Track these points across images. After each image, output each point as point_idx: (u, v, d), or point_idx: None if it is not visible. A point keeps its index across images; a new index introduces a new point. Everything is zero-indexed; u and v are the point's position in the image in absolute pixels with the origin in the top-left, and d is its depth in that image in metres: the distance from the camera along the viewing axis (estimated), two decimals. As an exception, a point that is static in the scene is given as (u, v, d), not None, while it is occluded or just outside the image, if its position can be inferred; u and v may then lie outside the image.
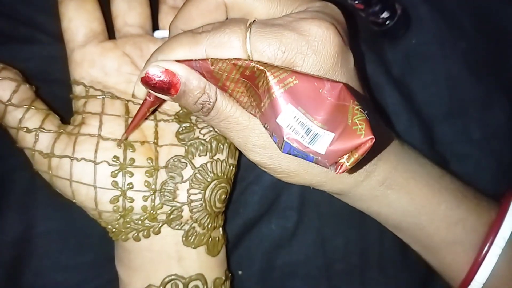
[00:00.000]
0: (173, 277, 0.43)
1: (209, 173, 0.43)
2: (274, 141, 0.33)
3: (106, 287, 0.47)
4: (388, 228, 0.47)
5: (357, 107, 0.31)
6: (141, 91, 0.39)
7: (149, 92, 0.37)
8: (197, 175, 0.43)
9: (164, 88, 0.35)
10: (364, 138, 0.31)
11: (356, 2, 0.49)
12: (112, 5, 0.45)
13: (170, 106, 0.44)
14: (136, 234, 0.42)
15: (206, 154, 0.43)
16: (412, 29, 0.53)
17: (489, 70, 0.54)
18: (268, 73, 0.32)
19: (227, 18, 0.38)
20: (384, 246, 0.52)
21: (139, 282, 0.43)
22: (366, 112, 0.31)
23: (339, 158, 0.31)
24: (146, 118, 0.43)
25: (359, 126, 0.31)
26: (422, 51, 0.54)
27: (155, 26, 0.46)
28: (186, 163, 0.43)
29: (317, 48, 0.34)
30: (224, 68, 0.34)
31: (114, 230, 0.42)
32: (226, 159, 0.44)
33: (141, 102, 0.43)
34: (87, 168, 0.41)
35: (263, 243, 0.51)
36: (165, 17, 0.45)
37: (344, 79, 0.36)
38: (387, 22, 0.51)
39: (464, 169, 0.52)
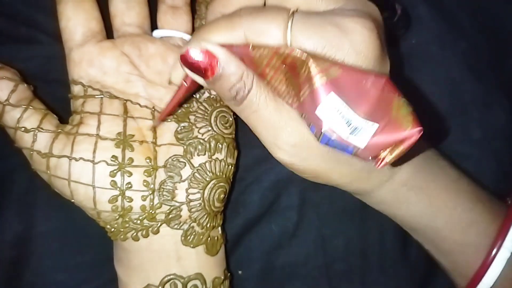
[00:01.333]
0: (172, 276, 0.43)
1: (208, 173, 0.43)
2: (311, 132, 0.32)
3: (106, 287, 0.47)
4: (403, 228, 0.47)
5: (402, 100, 0.30)
6: (177, 77, 0.38)
7: (185, 77, 0.37)
8: (196, 174, 0.42)
9: (201, 69, 0.34)
10: (411, 130, 0.30)
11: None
12: (111, 4, 0.45)
13: (169, 106, 0.44)
14: (135, 233, 0.42)
15: (204, 154, 0.43)
16: (412, 29, 0.53)
17: (489, 70, 0.54)
18: (310, 62, 0.31)
19: (264, 5, 0.37)
20: (384, 246, 0.52)
21: (138, 282, 0.43)
22: (411, 105, 0.30)
23: (381, 151, 0.31)
24: (181, 105, 0.43)
25: (406, 118, 0.30)
26: (422, 51, 0.54)
27: (154, 26, 0.46)
28: (185, 163, 0.43)
29: (359, 48, 0.33)
30: (266, 54, 0.33)
31: (112, 229, 0.42)
32: (225, 159, 0.44)
33: (144, 100, 0.43)
34: (86, 167, 0.40)
35: (263, 243, 0.51)
36: (163, 17, 0.45)
37: None
38: (387, 22, 0.51)
39: (464, 169, 0.52)
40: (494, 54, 0.54)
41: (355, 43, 0.33)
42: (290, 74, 0.33)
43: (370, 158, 0.31)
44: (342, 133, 0.31)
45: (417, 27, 0.53)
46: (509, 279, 0.43)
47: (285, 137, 0.36)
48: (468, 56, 0.54)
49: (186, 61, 0.34)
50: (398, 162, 0.36)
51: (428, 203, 0.43)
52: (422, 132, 0.30)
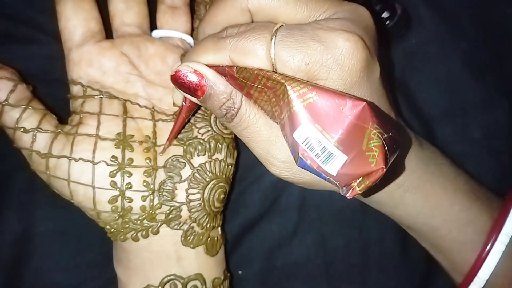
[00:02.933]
0: (171, 277, 0.43)
1: (207, 173, 0.43)
2: (291, 153, 0.33)
3: (106, 287, 0.47)
4: (401, 225, 0.47)
5: (374, 131, 0.30)
6: (179, 98, 0.40)
7: (184, 98, 0.39)
8: (196, 174, 0.42)
9: (191, 88, 0.35)
10: (375, 167, 0.30)
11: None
12: (110, 4, 0.45)
13: (169, 106, 0.44)
14: (134, 234, 0.42)
15: (204, 154, 0.43)
16: (412, 29, 0.53)
17: (489, 70, 0.54)
18: (288, 87, 0.31)
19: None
20: (385, 246, 0.52)
21: (138, 282, 0.43)
22: (386, 136, 0.31)
23: (352, 181, 0.31)
24: (186, 124, 0.43)
25: (373, 153, 0.30)
26: (422, 51, 0.54)
27: (153, 26, 0.46)
28: (185, 163, 0.43)
29: (343, 62, 0.33)
30: (248, 77, 0.34)
31: (112, 230, 0.42)
32: (224, 159, 0.44)
33: (143, 100, 0.44)
34: (85, 168, 0.40)
35: (263, 243, 0.51)
36: (163, 17, 0.45)
37: (368, 92, 0.35)
38: (387, 22, 0.51)
39: (464, 169, 0.52)
40: (494, 54, 0.54)
41: (338, 57, 0.33)
42: (273, 96, 0.34)
43: (341, 187, 0.32)
44: (316, 160, 0.31)
45: (417, 27, 0.53)
46: (505, 274, 0.44)
47: (276, 153, 0.37)
48: (468, 56, 0.54)
49: (176, 81, 0.36)
50: (370, 192, 0.38)
51: (424, 202, 0.43)
52: (384, 171, 0.30)
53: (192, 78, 0.35)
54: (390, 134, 0.31)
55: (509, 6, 0.55)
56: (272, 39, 0.33)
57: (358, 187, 0.31)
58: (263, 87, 0.34)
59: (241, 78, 0.34)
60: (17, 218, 0.47)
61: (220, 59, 0.35)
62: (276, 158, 0.37)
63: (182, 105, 0.40)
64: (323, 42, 0.33)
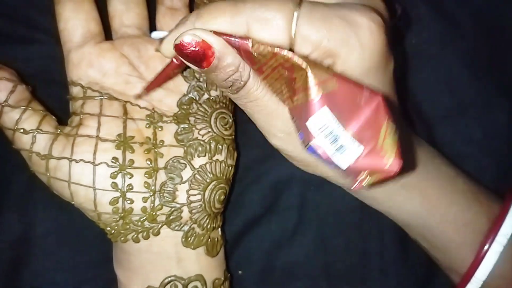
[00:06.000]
0: (172, 278, 0.43)
1: (208, 174, 0.43)
2: (299, 138, 0.32)
3: (106, 287, 0.47)
4: (398, 224, 0.47)
5: (390, 127, 0.30)
6: (168, 50, 0.36)
7: (176, 56, 0.36)
8: (197, 176, 0.42)
9: (196, 59, 0.33)
10: (390, 167, 0.30)
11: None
12: (109, 5, 0.44)
13: (168, 107, 0.44)
14: (135, 235, 0.42)
15: (205, 155, 0.43)
16: (412, 29, 0.53)
17: (489, 70, 0.54)
18: (309, 73, 0.30)
19: None
20: (385, 245, 0.52)
21: (138, 284, 0.43)
22: (398, 133, 0.30)
23: (361, 173, 0.30)
24: (168, 80, 0.43)
25: (388, 151, 0.30)
26: (422, 51, 0.54)
27: (152, 27, 0.46)
28: (186, 164, 0.42)
29: (365, 42, 0.32)
30: (265, 53, 0.32)
31: (113, 231, 0.42)
32: (225, 160, 0.44)
33: (143, 102, 0.43)
34: (86, 169, 0.40)
35: (263, 243, 0.51)
36: (162, 18, 0.45)
37: (382, 82, 0.35)
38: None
39: (464, 169, 0.52)
40: (494, 54, 0.54)
41: (362, 37, 0.32)
42: (287, 76, 0.32)
43: (349, 176, 0.31)
44: (328, 150, 0.30)
45: (417, 27, 0.53)
46: (502, 275, 0.44)
47: (281, 125, 0.36)
48: (468, 56, 0.54)
49: (180, 51, 0.33)
50: (373, 186, 0.37)
51: (421, 202, 0.43)
52: (401, 166, 0.30)
53: (199, 48, 0.32)
54: (398, 130, 0.31)
55: (509, 6, 0.54)
56: (295, 11, 0.32)
57: (366, 181, 0.30)
58: (278, 65, 0.32)
59: (256, 53, 0.32)
60: (16, 219, 0.47)
61: (236, 25, 0.32)
62: (281, 130, 0.37)
63: (172, 61, 0.37)
64: (347, 20, 0.32)
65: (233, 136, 0.45)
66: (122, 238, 0.42)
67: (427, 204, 0.43)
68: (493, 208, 0.45)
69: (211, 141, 0.43)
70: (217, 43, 0.32)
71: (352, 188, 0.31)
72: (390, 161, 0.30)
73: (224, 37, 0.33)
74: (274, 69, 0.33)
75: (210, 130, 0.44)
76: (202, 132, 0.43)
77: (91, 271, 0.48)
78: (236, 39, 0.32)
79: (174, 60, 0.37)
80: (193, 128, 0.43)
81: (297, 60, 0.31)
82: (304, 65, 0.30)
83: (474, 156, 0.54)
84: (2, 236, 0.46)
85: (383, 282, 0.52)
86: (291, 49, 0.32)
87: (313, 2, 0.33)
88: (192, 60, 0.33)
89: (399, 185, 0.42)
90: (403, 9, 0.51)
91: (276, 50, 0.31)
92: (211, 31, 0.33)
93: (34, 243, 0.47)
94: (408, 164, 0.41)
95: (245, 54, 0.33)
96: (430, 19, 0.54)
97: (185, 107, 0.44)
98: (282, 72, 0.32)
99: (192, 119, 0.44)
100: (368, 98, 0.30)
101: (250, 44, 0.32)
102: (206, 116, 0.44)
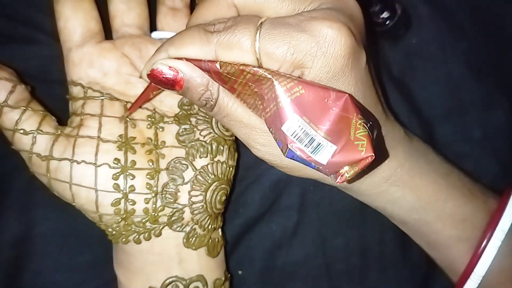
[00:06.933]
0: (173, 279, 0.43)
1: (210, 175, 0.43)
2: (278, 146, 0.34)
3: (106, 287, 0.47)
4: (394, 222, 0.47)
5: (360, 121, 0.32)
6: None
7: None
8: (198, 176, 0.42)
9: (168, 84, 0.36)
10: (365, 154, 0.32)
11: (356, 2, 0.49)
12: (110, 5, 0.44)
13: (170, 108, 0.44)
14: (137, 236, 0.42)
15: (206, 156, 0.43)
16: (412, 29, 0.53)
17: (489, 70, 0.54)
18: (275, 82, 0.32)
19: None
20: (384, 245, 0.52)
21: (139, 285, 0.43)
22: (369, 125, 0.32)
23: (341, 168, 0.33)
24: (149, 101, 0.44)
25: (361, 142, 0.32)
26: (422, 51, 0.54)
27: (153, 27, 0.46)
28: (187, 165, 0.42)
29: (327, 50, 0.33)
30: (232, 72, 0.34)
31: (114, 233, 0.42)
32: (226, 161, 0.44)
33: (148, 105, 0.43)
34: (88, 170, 0.40)
35: (263, 243, 0.51)
36: (163, 18, 0.45)
37: (353, 80, 0.35)
38: (387, 22, 0.51)
39: (464, 169, 0.52)
40: (494, 54, 0.54)
41: (322, 45, 0.33)
42: (257, 90, 0.34)
43: (330, 174, 0.34)
44: (305, 150, 0.33)
45: (417, 27, 0.53)
46: (501, 270, 0.44)
47: (256, 137, 0.38)
48: (468, 56, 0.54)
49: (154, 79, 0.36)
50: (357, 177, 0.40)
51: (415, 198, 0.43)
52: (373, 158, 0.32)
53: (168, 74, 0.36)
54: (370, 123, 0.33)
55: (509, 5, 0.55)
56: (257, 33, 0.33)
57: (348, 174, 0.33)
58: (247, 81, 0.34)
59: (225, 73, 0.34)
60: (17, 218, 0.47)
61: (205, 53, 0.35)
62: (257, 142, 0.38)
63: (151, 83, 0.39)
64: (306, 31, 0.33)
65: (234, 137, 0.45)
66: (124, 239, 0.42)
67: (422, 200, 0.43)
68: (489, 203, 0.45)
69: (212, 142, 0.43)
70: (184, 67, 0.36)
71: (336, 182, 0.33)
72: (364, 149, 0.32)
73: (195, 62, 0.35)
74: (244, 85, 0.35)
75: (211, 131, 0.44)
76: (203, 133, 0.43)
77: (91, 271, 0.48)
78: (206, 63, 0.35)
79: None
80: (195, 129, 0.43)
81: (261, 72, 0.33)
82: (269, 75, 0.33)
83: (474, 155, 0.54)
84: (2, 236, 0.46)
85: (383, 282, 0.52)
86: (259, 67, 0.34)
87: (274, 19, 0.35)
88: (165, 85, 0.36)
89: (390, 181, 0.42)
90: (403, 9, 0.52)
91: (242, 67, 0.34)
92: (183, 58, 0.36)
93: (34, 243, 0.46)
94: (387, 154, 0.42)
95: (216, 75, 0.35)
96: (430, 19, 0.54)
97: (186, 107, 0.44)
98: (253, 87, 0.35)
99: (193, 119, 0.44)
100: (335, 98, 0.33)
101: (218, 66, 0.34)
102: (207, 116, 0.44)
